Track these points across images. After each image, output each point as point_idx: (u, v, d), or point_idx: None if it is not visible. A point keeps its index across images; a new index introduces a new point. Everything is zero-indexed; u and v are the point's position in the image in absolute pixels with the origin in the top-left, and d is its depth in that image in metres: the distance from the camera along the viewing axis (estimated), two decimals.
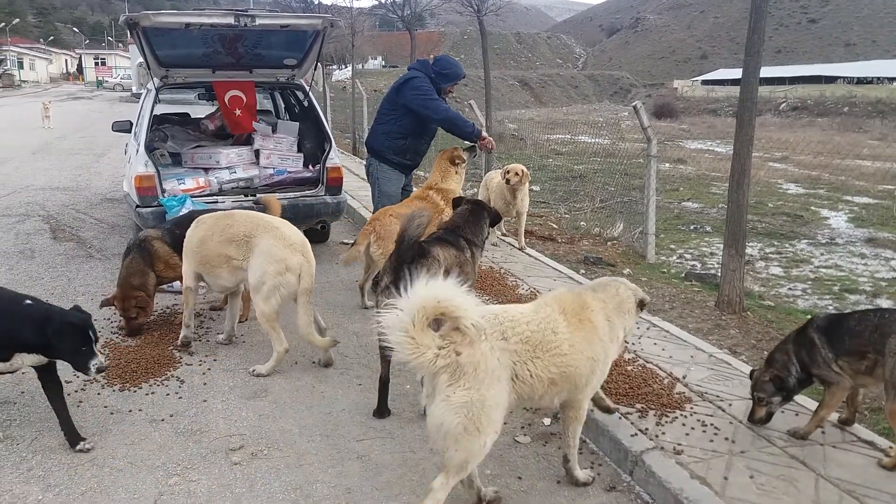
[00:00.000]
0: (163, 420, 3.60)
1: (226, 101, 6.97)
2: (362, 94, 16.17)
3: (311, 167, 7.11)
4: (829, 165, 15.82)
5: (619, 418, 3.45)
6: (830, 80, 57.35)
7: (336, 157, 6.99)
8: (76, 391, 3.83)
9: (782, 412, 3.44)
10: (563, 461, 3.12)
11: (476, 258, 4.16)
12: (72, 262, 6.59)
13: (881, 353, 3.02)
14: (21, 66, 72.09)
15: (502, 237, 7.55)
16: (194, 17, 5.82)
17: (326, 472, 3.16)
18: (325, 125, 7.29)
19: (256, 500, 2.95)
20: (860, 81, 55.33)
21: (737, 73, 5.89)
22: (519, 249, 7.15)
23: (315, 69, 7.30)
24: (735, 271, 5.26)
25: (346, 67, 43.03)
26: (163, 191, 6.16)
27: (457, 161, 5.66)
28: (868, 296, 6.92)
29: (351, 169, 11.39)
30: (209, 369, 4.25)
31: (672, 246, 8.95)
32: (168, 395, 3.88)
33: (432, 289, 2.47)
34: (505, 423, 3.03)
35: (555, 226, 9.09)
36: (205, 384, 4.05)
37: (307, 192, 6.79)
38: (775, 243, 9.29)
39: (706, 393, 3.81)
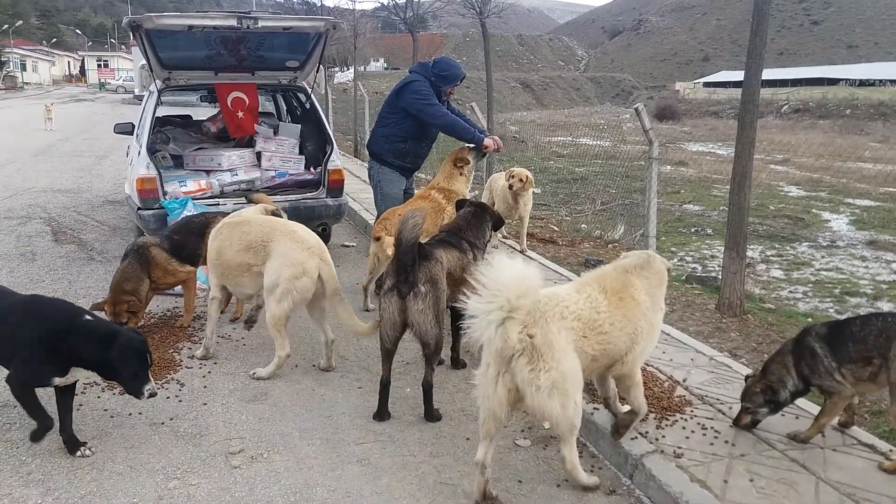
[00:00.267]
0: (163, 423, 3.60)
1: (228, 103, 6.98)
2: (364, 97, 16.15)
3: (312, 169, 7.12)
4: (830, 168, 15.78)
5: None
6: (833, 82, 57.25)
7: (337, 159, 7.00)
8: (76, 394, 3.80)
9: (782, 415, 3.43)
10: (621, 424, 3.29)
11: (478, 260, 4.16)
12: (73, 265, 6.59)
13: (886, 357, 3.00)
14: (24, 68, 72.43)
15: (503, 239, 7.56)
16: (197, 20, 5.84)
17: (326, 476, 3.16)
18: (327, 127, 7.30)
19: None
20: (862, 84, 55.27)
21: (739, 76, 5.89)
22: (520, 252, 7.16)
23: (317, 71, 7.32)
24: (736, 274, 5.26)
25: (348, 69, 43.03)
26: (164, 193, 6.17)
27: (459, 163, 5.66)
28: (869, 298, 6.91)
29: (352, 171, 11.40)
30: (209, 372, 4.26)
31: (673, 248, 8.95)
32: (168, 398, 3.88)
33: (521, 268, 2.63)
34: (505, 427, 3.05)
35: (556, 228, 9.09)
36: (205, 387, 4.05)
37: (308, 194, 6.81)
38: (776, 246, 9.28)
39: (706, 396, 3.80)
